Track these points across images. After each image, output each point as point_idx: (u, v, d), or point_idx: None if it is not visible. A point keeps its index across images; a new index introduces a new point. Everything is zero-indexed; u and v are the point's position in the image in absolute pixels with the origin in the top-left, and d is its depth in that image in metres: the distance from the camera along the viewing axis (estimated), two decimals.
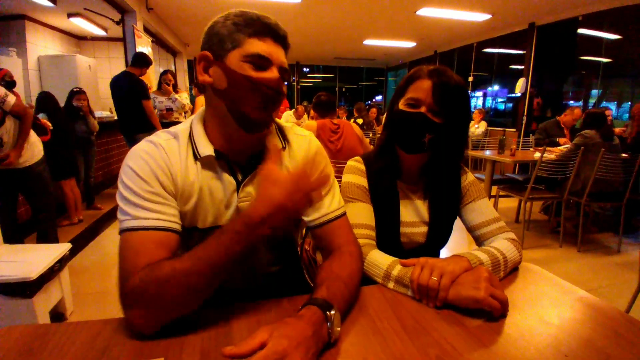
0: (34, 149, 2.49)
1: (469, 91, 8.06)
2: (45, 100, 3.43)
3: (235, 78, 0.71)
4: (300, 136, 0.89)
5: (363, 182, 1.03)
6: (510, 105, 8.16)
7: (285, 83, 0.80)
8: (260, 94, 0.72)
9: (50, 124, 2.96)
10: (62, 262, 1.91)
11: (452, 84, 0.91)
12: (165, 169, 0.73)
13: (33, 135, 2.51)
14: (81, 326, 0.65)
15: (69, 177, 3.53)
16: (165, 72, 4.66)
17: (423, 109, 0.92)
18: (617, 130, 3.79)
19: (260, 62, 0.72)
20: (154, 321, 0.61)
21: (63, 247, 1.96)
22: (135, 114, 3.84)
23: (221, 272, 0.64)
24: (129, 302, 0.62)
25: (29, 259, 1.79)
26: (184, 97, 4.72)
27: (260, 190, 0.64)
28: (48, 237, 2.59)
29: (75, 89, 3.99)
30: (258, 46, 0.72)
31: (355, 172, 1.04)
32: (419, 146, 0.95)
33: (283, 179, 0.63)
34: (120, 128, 3.97)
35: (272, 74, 0.73)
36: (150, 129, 3.77)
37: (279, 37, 0.75)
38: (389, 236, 1.03)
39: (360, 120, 6.44)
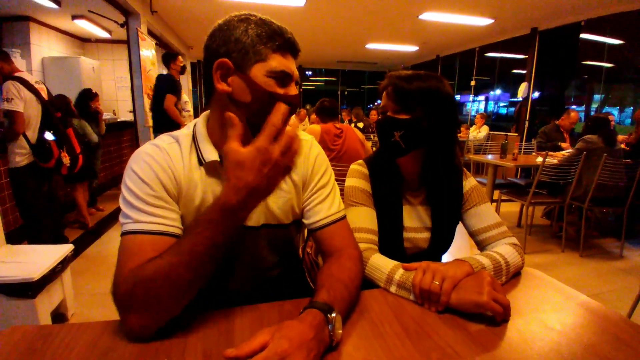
0: (13, 156, 2.53)
1: (472, 95, 8.09)
2: (60, 102, 3.46)
3: (262, 94, 0.70)
4: (301, 140, 0.89)
5: (366, 186, 1.03)
6: (512, 109, 8.17)
7: None
8: None
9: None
10: (64, 263, 1.92)
11: (408, 82, 0.93)
12: (169, 171, 0.73)
13: (18, 146, 2.52)
14: (84, 327, 0.65)
15: (84, 180, 3.55)
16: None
17: (390, 113, 0.96)
18: (620, 137, 3.78)
19: (284, 79, 0.72)
20: (149, 323, 0.61)
21: (65, 248, 1.97)
22: (161, 111, 3.75)
23: (206, 262, 0.63)
24: (121, 306, 0.61)
25: (31, 260, 1.80)
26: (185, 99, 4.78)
27: (227, 175, 0.61)
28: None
29: (93, 92, 4.02)
30: (282, 63, 0.72)
31: (358, 176, 1.05)
32: (395, 147, 0.96)
33: (248, 158, 0.60)
34: (154, 130, 4.00)
35: (293, 90, 0.74)
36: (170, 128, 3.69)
37: (296, 52, 0.76)
38: (392, 241, 1.03)
39: (361, 124, 6.46)
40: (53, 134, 2.67)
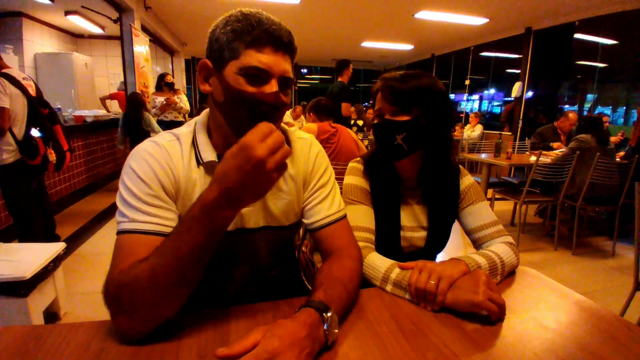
0: (0, 153, 2.46)
1: (466, 94, 8.12)
2: (133, 99, 3.90)
3: (231, 92, 0.68)
4: (301, 139, 0.88)
5: (365, 184, 1.03)
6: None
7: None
8: (254, 111, 0.68)
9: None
10: (56, 262, 1.90)
11: (403, 82, 0.92)
12: (167, 169, 0.71)
13: (5, 143, 2.46)
14: (76, 328, 0.64)
15: None
16: (164, 75, 4.75)
17: (387, 115, 0.94)
18: (613, 139, 3.83)
19: (257, 75, 0.67)
20: (137, 326, 0.60)
21: (57, 246, 1.95)
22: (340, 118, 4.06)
23: (190, 266, 0.60)
24: (110, 307, 0.60)
25: (23, 258, 1.77)
26: (183, 100, 4.79)
27: (214, 172, 0.59)
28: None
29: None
30: (255, 58, 0.67)
31: (357, 174, 1.04)
32: (398, 149, 0.94)
33: (231, 154, 0.56)
34: None
35: (270, 87, 0.68)
36: None
37: (281, 44, 0.69)
38: (389, 240, 1.03)
39: (360, 122, 6.44)
40: (39, 130, 2.61)
